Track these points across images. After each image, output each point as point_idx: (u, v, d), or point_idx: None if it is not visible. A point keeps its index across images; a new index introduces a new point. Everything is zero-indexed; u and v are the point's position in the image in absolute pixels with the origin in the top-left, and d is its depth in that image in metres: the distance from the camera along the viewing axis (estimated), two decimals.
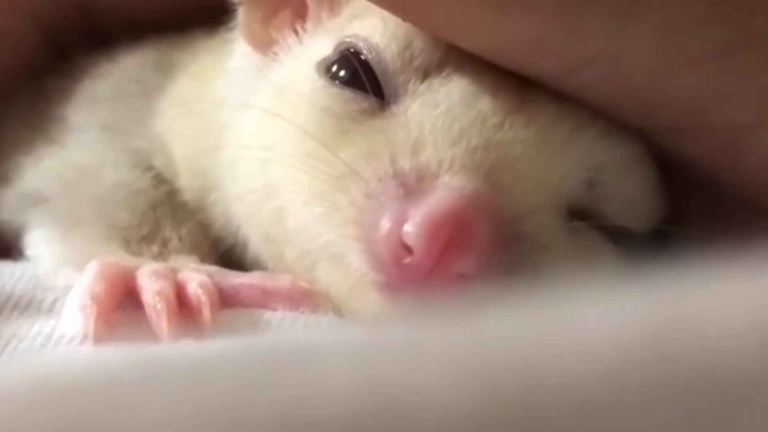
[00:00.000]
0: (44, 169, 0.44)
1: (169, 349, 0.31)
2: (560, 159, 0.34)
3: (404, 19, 0.35)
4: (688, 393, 0.20)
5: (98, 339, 0.33)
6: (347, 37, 0.37)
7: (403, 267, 0.31)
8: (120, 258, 0.38)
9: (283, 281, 0.37)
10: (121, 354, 0.29)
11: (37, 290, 0.38)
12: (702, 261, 0.23)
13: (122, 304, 0.35)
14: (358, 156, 0.34)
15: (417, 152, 0.33)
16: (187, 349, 0.31)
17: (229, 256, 0.41)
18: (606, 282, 0.24)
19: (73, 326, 0.34)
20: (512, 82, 0.34)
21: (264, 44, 0.41)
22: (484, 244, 0.31)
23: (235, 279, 0.37)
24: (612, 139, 0.35)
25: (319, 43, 0.38)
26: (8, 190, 0.45)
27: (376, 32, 0.36)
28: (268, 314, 0.36)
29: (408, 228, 0.31)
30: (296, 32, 0.40)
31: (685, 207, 0.38)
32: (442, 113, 0.34)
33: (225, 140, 0.41)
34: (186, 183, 0.43)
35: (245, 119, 0.40)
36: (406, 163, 0.32)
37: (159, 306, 0.34)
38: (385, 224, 0.31)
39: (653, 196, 0.37)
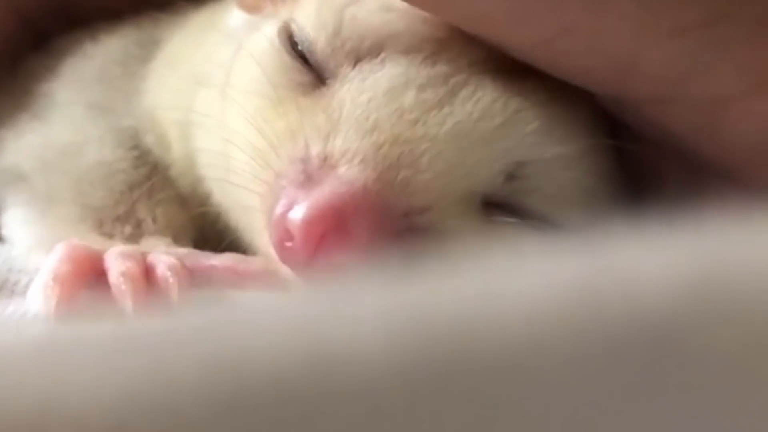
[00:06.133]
0: (25, 144, 0.44)
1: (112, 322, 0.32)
2: (473, 154, 0.33)
3: None
4: (615, 340, 0.20)
5: (59, 319, 0.33)
6: (289, 19, 0.37)
7: (286, 249, 0.32)
8: (90, 240, 0.38)
9: (255, 264, 0.37)
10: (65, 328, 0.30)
11: (11, 273, 0.39)
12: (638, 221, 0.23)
13: (89, 285, 0.35)
14: (284, 132, 0.34)
15: (328, 139, 0.33)
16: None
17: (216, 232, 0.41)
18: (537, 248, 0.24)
19: (36, 306, 0.34)
20: (456, 71, 0.34)
21: (257, 9, 0.40)
22: (363, 238, 0.31)
23: (208, 261, 0.37)
24: (547, 135, 0.34)
25: (283, 13, 0.38)
26: None
27: (309, 19, 0.36)
28: (238, 295, 0.36)
29: (291, 215, 0.32)
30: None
31: (662, 183, 0.37)
32: (362, 103, 0.33)
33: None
34: (177, 154, 0.43)
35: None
36: (315, 149, 0.33)
37: (123, 287, 0.34)
38: (278, 208, 0.32)
39: (593, 191, 0.36)
